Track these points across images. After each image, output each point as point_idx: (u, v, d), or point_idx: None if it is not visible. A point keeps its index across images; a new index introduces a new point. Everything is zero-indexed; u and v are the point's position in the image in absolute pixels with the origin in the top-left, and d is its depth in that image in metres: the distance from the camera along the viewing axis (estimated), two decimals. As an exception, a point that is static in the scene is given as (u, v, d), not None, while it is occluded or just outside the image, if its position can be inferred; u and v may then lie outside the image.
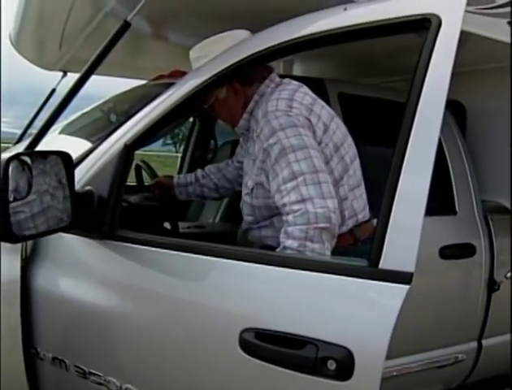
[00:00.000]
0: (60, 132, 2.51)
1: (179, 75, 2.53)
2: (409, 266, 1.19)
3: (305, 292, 1.32)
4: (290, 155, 1.52)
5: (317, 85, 2.36)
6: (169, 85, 1.90)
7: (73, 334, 1.74)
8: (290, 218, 1.50)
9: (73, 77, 3.70)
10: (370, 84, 2.87)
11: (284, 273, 1.35)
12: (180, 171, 3.83)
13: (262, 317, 1.35)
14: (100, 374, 1.64)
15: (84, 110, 2.73)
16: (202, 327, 1.45)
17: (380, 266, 1.22)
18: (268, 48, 1.59)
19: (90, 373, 1.65)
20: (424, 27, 1.31)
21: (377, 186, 1.68)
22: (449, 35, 1.27)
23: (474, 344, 2.65)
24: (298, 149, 1.53)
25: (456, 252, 2.49)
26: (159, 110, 1.76)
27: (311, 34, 1.52)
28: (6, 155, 1.53)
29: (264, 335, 1.32)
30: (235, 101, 1.80)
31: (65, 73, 3.62)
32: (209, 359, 1.44)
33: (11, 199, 1.53)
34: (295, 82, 1.79)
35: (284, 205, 1.52)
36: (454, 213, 2.58)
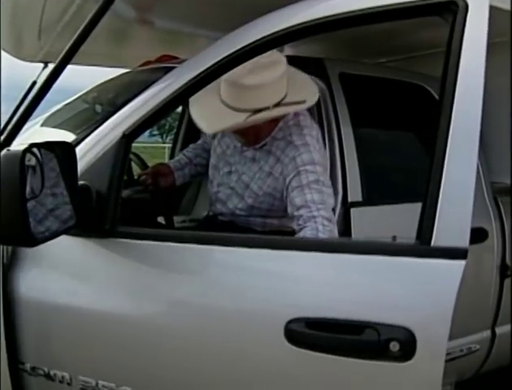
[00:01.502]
0: (42, 125, 2.35)
1: (167, 60, 2.40)
2: (463, 241, 1.20)
3: (358, 276, 1.30)
4: (320, 184, 1.80)
5: (316, 66, 2.23)
6: (163, 70, 1.77)
7: (76, 343, 1.59)
8: (321, 227, 1.72)
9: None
10: (373, 63, 2.74)
11: (332, 258, 1.33)
12: (172, 153, 3.69)
13: (309, 306, 1.31)
14: (111, 385, 1.52)
15: (67, 101, 2.57)
16: (241, 325, 1.37)
17: (432, 243, 1.22)
18: (278, 31, 1.48)
19: (103, 386, 1.53)
20: (451, 10, 1.29)
21: (382, 165, 1.88)
22: (478, 17, 1.26)
23: (487, 333, 2.53)
24: (325, 179, 1.85)
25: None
26: (162, 97, 1.62)
27: (330, 16, 1.42)
28: (18, 147, 1.36)
29: (314, 324, 1.28)
30: (268, 127, 1.91)
31: (46, 64, 3.45)
32: (252, 358, 1.38)
33: (28, 197, 1.36)
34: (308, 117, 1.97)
35: (315, 216, 1.74)
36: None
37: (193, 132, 3.70)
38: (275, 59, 1.83)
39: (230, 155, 2.05)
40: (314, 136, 1.90)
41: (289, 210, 1.82)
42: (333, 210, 1.85)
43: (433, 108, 2.40)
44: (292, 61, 2.24)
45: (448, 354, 2.35)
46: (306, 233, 1.69)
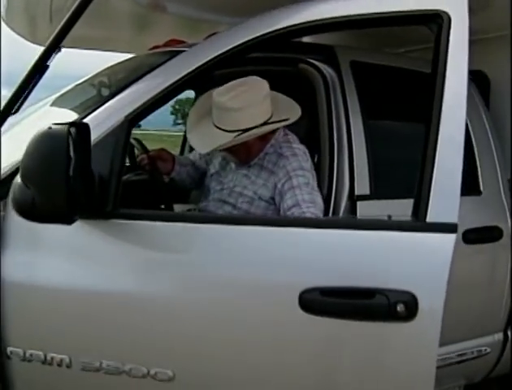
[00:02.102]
0: (52, 105, 2.32)
1: (175, 44, 2.35)
2: (453, 217, 1.43)
3: (366, 249, 1.49)
4: (310, 187, 1.94)
5: (327, 53, 2.15)
6: (169, 54, 1.78)
7: (77, 325, 1.58)
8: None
9: (68, 53, 3.54)
10: (387, 52, 2.64)
11: (342, 235, 1.50)
12: (182, 149, 3.63)
13: (322, 277, 1.47)
14: (117, 364, 1.56)
15: (77, 83, 2.53)
16: (256, 299, 1.51)
17: (427, 220, 1.43)
18: (282, 28, 1.61)
19: (107, 365, 1.57)
20: (436, 21, 1.50)
21: (392, 158, 1.95)
22: (461, 28, 1.47)
23: (499, 336, 2.44)
24: (314, 184, 1.97)
25: (480, 236, 2.27)
26: (166, 83, 1.65)
27: (329, 18, 1.58)
28: (60, 124, 1.40)
29: (328, 292, 1.46)
30: (260, 145, 2.07)
31: (59, 48, 3.41)
32: (267, 328, 1.51)
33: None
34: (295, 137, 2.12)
35: (304, 212, 1.87)
36: (479, 193, 2.34)
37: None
38: (257, 83, 2.01)
39: (223, 176, 2.18)
40: (302, 149, 2.05)
41: (281, 212, 1.93)
42: (333, 200, 1.95)
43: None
44: (302, 48, 2.18)
45: (458, 356, 2.34)
46: None
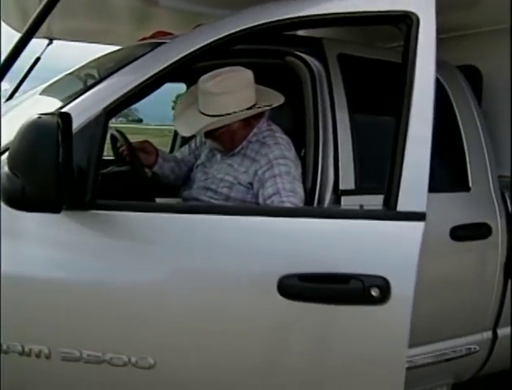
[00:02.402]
0: (41, 94, 2.30)
1: (162, 36, 2.33)
2: (421, 206, 1.52)
3: (342, 237, 1.57)
4: (291, 176, 1.95)
5: (314, 46, 2.12)
6: (153, 45, 1.77)
7: (56, 315, 1.58)
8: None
9: (59, 45, 3.53)
10: (374, 45, 2.61)
11: (320, 223, 1.58)
12: (173, 144, 3.61)
13: (300, 263, 1.55)
14: (97, 353, 1.57)
15: (64, 74, 2.51)
16: (235, 286, 1.55)
17: (398, 209, 1.53)
18: (262, 24, 1.64)
19: (88, 355, 1.58)
20: (405, 22, 1.57)
21: (379, 153, 1.87)
22: (428, 28, 1.55)
23: (488, 334, 2.41)
24: (296, 174, 1.98)
25: (469, 233, 2.24)
26: (146, 75, 1.65)
27: (302, 16, 1.63)
28: (47, 114, 1.41)
29: (305, 278, 1.53)
30: (239, 135, 2.09)
31: (50, 41, 3.41)
32: (247, 315, 1.56)
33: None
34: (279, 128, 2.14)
35: (283, 201, 1.89)
36: (468, 189, 2.31)
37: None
38: (241, 70, 2.05)
39: (209, 167, 2.20)
40: (285, 139, 2.06)
41: (261, 200, 1.94)
42: (317, 194, 1.94)
43: (440, 95, 2.28)
44: (289, 40, 2.15)
45: (445, 354, 2.32)
46: None
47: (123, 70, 1.71)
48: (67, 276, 1.55)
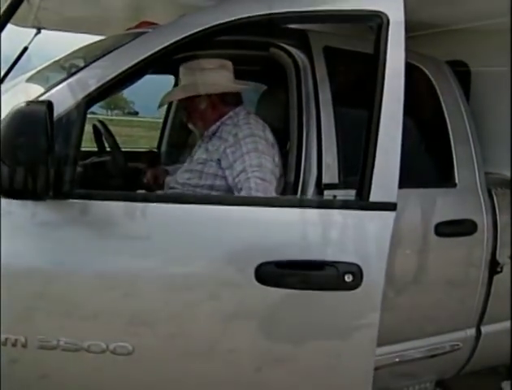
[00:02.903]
0: (27, 81, 2.28)
1: (147, 26, 2.30)
2: (392, 197, 1.61)
3: (317, 225, 1.65)
4: (259, 152, 1.98)
5: (299, 39, 2.09)
6: (136, 35, 1.76)
7: (32, 304, 1.57)
8: (253, 185, 1.92)
9: (47, 34, 3.48)
10: (362, 38, 2.58)
11: (295, 213, 1.67)
12: (160, 140, 3.58)
13: (276, 251, 1.61)
14: (75, 341, 1.58)
15: (47, 64, 2.48)
16: (215, 272, 1.60)
17: (370, 199, 1.61)
18: (238, 19, 1.67)
19: (65, 342, 1.58)
20: (376, 22, 1.64)
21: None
22: (398, 28, 1.63)
23: (472, 331, 2.40)
24: (266, 149, 2.01)
25: (454, 229, 2.22)
26: (124, 66, 1.64)
27: (279, 13, 1.67)
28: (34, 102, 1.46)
29: (281, 265, 1.59)
30: (211, 113, 2.16)
31: (38, 30, 3.36)
32: (225, 301, 1.61)
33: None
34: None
35: (249, 178, 1.93)
36: (454, 185, 2.30)
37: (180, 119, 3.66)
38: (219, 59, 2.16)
39: (193, 154, 2.25)
40: (260, 122, 2.09)
41: (230, 179, 1.98)
42: (300, 188, 1.94)
43: (427, 90, 2.26)
44: (274, 32, 2.12)
45: (429, 351, 2.30)
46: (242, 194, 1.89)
47: (103, 59, 1.69)
48: (43, 264, 1.55)
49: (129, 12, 3.18)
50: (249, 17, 1.64)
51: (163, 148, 3.65)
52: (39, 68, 2.44)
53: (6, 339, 1.55)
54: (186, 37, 1.66)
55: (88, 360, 1.59)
